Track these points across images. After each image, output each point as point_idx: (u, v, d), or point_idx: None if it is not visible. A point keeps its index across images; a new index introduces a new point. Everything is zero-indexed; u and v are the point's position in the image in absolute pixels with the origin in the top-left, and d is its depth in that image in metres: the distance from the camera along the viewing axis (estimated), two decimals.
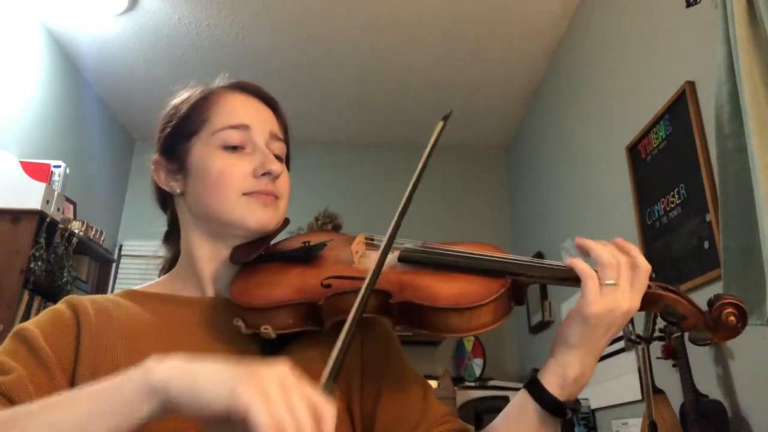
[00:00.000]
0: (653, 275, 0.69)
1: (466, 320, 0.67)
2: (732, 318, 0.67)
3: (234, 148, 0.79)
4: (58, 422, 0.48)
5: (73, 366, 0.68)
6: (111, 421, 0.47)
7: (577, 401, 0.70)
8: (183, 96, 0.86)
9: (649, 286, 0.68)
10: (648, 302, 0.69)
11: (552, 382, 0.68)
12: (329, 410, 0.45)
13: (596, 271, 0.67)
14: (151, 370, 0.48)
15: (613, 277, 0.66)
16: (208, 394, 0.45)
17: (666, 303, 0.70)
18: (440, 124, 0.81)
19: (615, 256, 0.67)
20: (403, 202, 0.71)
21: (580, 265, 0.68)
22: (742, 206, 1.44)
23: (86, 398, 0.49)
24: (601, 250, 0.68)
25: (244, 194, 0.77)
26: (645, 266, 0.67)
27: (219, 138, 0.79)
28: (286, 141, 0.87)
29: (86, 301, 0.75)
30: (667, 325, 0.84)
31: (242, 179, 0.77)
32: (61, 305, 0.74)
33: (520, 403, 0.71)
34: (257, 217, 0.78)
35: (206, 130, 0.80)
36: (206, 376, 0.47)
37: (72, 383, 0.66)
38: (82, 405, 0.49)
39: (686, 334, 0.96)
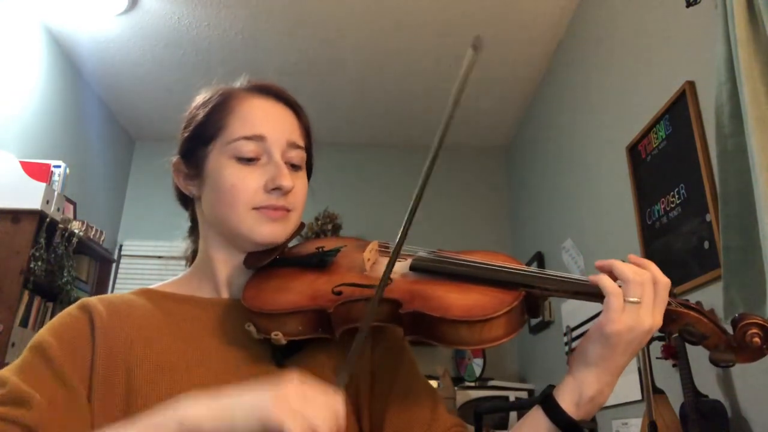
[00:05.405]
0: (674, 291, 0.68)
1: (477, 333, 0.65)
2: (756, 339, 0.64)
3: (248, 160, 0.77)
4: None
5: (90, 369, 0.69)
6: None
7: (593, 420, 0.68)
8: (205, 96, 0.84)
9: (669, 303, 0.67)
10: (668, 320, 0.67)
11: (567, 400, 0.67)
12: (341, 407, 0.56)
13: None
14: (182, 410, 0.56)
15: (638, 295, 0.64)
16: (242, 423, 0.54)
17: (687, 321, 0.68)
18: (470, 53, 0.68)
19: (639, 273, 0.65)
20: (411, 205, 0.66)
21: (606, 282, 0.65)
22: (742, 206, 1.44)
23: None
24: (625, 266, 0.66)
25: (254, 208, 0.77)
26: (665, 281, 0.66)
27: (233, 148, 0.78)
28: (308, 144, 0.86)
29: (99, 303, 0.76)
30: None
31: (253, 193, 0.76)
32: (74, 309, 0.74)
33: (533, 419, 0.69)
34: (265, 231, 0.77)
35: (222, 138, 0.79)
36: (236, 410, 0.55)
37: (89, 388, 0.68)
38: None
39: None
